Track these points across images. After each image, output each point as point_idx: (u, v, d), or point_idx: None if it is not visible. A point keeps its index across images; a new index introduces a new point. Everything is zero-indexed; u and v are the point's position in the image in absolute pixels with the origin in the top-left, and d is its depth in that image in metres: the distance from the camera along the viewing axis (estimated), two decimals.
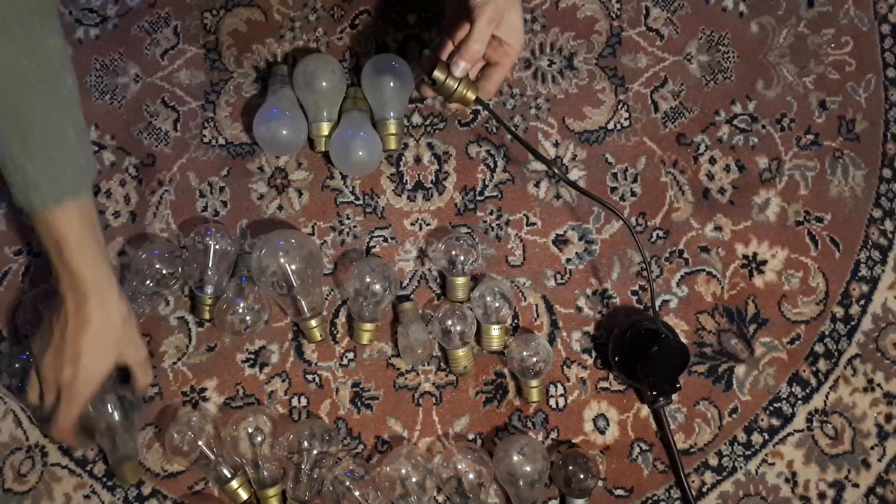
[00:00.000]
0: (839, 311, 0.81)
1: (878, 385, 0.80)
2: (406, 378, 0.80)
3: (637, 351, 0.74)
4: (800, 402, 0.79)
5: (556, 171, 0.73)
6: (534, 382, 0.76)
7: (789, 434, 0.79)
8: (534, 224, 0.82)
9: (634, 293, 0.81)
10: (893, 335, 0.80)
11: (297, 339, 0.80)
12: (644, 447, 0.79)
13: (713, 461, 0.79)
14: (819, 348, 0.80)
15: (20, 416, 0.80)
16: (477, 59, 0.68)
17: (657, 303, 0.80)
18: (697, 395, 0.79)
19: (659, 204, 0.82)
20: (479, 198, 0.82)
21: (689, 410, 0.79)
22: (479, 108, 0.71)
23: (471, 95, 0.70)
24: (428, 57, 0.74)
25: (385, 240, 0.82)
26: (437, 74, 0.68)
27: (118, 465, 0.75)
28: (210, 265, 0.78)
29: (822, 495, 0.78)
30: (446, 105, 0.82)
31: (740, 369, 0.80)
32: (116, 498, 0.78)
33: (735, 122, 0.83)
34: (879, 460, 0.79)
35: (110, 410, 0.73)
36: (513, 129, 0.76)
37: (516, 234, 0.82)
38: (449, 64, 0.68)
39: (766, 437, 0.79)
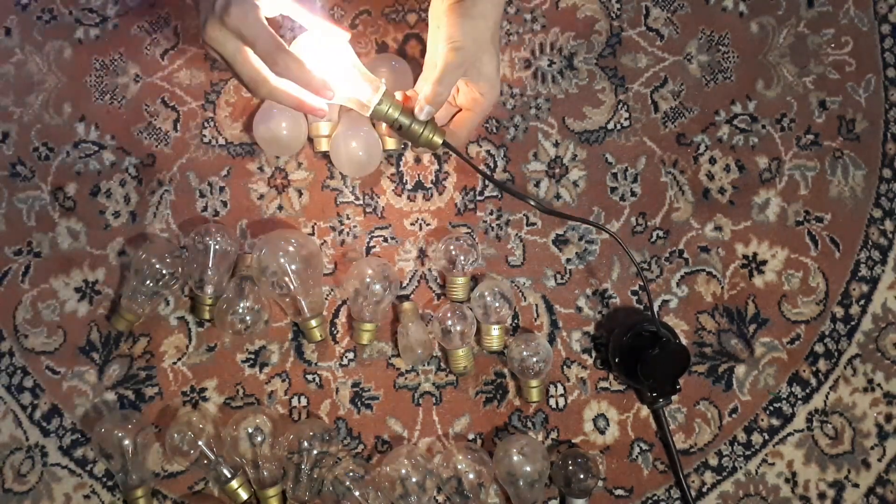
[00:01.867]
0: (839, 311, 0.81)
1: (878, 385, 0.80)
2: (406, 378, 0.80)
3: (637, 352, 0.74)
4: (800, 402, 0.79)
5: (535, 202, 0.70)
6: (534, 382, 0.76)
7: (789, 434, 0.79)
8: (534, 224, 0.82)
9: (634, 293, 0.81)
10: (893, 335, 0.80)
11: (297, 339, 0.80)
12: (644, 447, 0.79)
13: (713, 461, 0.79)
14: (819, 348, 0.80)
15: (20, 417, 0.80)
16: (441, 104, 0.66)
17: (657, 303, 0.80)
18: (697, 395, 0.79)
19: (659, 204, 0.82)
20: (479, 198, 0.82)
21: (689, 410, 0.79)
22: (448, 151, 0.69)
23: (437, 140, 0.68)
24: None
25: (385, 240, 0.82)
26: (402, 119, 0.66)
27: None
28: (210, 265, 0.78)
29: (822, 495, 0.78)
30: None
31: (740, 369, 0.80)
32: (116, 498, 0.78)
33: (735, 122, 0.83)
34: (879, 460, 0.79)
35: None
36: (484, 170, 0.75)
37: (516, 234, 0.82)
38: (413, 109, 0.66)
39: (766, 437, 0.79)
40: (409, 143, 0.68)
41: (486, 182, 0.82)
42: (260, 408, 0.79)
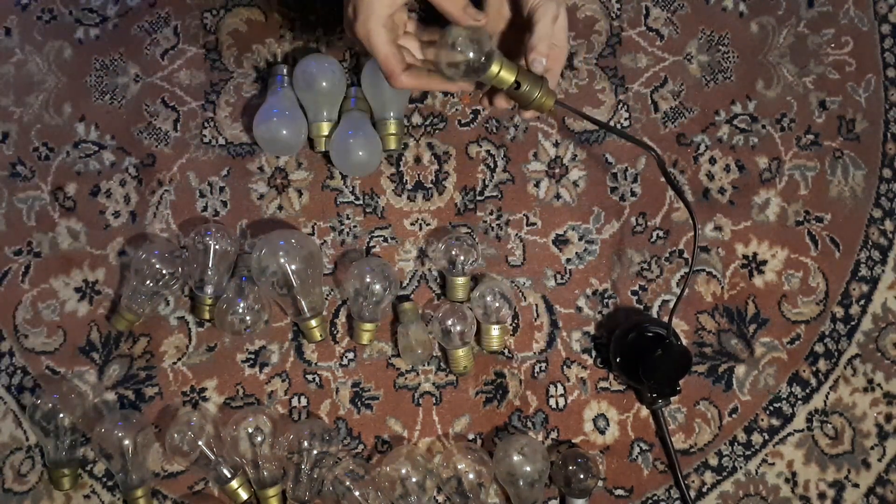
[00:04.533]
0: (839, 311, 0.81)
1: (878, 385, 0.80)
2: (406, 378, 0.80)
3: (639, 353, 0.74)
4: (800, 402, 0.79)
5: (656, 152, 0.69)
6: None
7: (789, 434, 0.79)
8: (534, 224, 0.82)
9: (634, 293, 0.81)
10: (893, 335, 0.80)
11: (297, 339, 0.80)
12: (644, 447, 0.79)
13: (713, 461, 0.79)
14: (819, 348, 0.80)
15: (20, 416, 0.80)
16: (547, 56, 0.65)
17: (657, 303, 0.81)
18: (697, 395, 0.79)
19: (659, 204, 0.82)
20: (479, 198, 0.82)
21: (689, 410, 0.79)
22: (559, 108, 0.67)
23: (549, 102, 0.66)
24: None
25: (385, 240, 0.82)
26: (521, 80, 0.65)
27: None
28: (210, 265, 0.78)
29: (822, 495, 0.78)
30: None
31: (740, 369, 0.80)
32: (116, 498, 0.78)
33: (735, 122, 0.83)
34: (879, 460, 0.79)
35: None
36: (609, 124, 0.71)
37: (516, 234, 0.82)
38: (526, 69, 0.65)
39: (766, 437, 0.79)
40: (518, 106, 0.67)
41: (486, 182, 0.82)
42: (260, 408, 0.79)
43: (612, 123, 0.83)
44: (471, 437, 0.79)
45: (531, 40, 0.65)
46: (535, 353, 0.80)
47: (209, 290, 0.78)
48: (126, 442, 0.74)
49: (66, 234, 0.82)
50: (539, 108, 0.66)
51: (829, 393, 0.80)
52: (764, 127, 0.83)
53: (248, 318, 0.77)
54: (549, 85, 0.67)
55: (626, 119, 0.83)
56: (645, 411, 0.79)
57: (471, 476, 0.74)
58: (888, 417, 0.79)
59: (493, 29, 0.70)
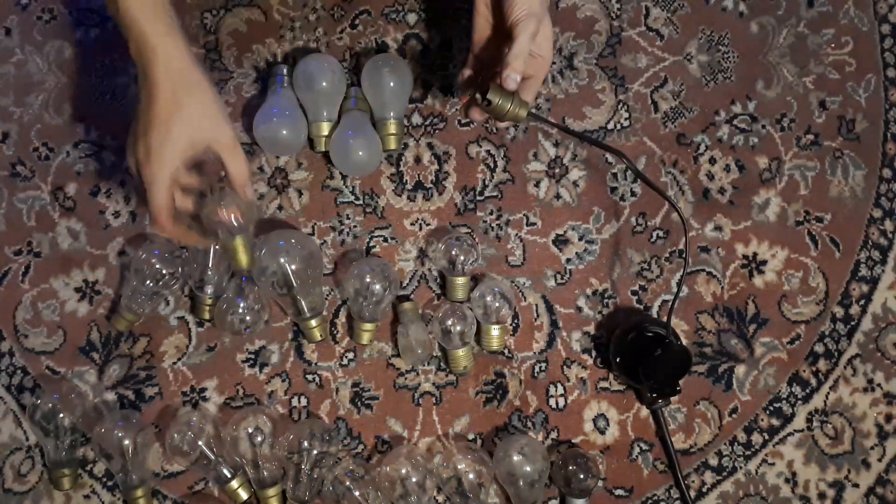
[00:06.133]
0: (839, 311, 0.81)
1: (878, 385, 0.80)
2: (406, 378, 0.80)
3: (639, 353, 0.74)
4: (800, 402, 0.79)
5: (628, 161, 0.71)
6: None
7: (789, 434, 0.79)
8: (534, 224, 0.82)
9: (634, 293, 0.81)
10: (893, 335, 0.80)
11: (297, 339, 0.80)
12: (644, 447, 0.79)
13: (713, 461, 0.79)
14: (819, 348, 0.80)
15: (20, 416, 0.80)
16: (522, 70, 0.67)
17: (657, 303, 0.81)
18: (697, 395, 0.79)
19: (659, 204, 0.82)
20: (479, 198, 0.82)
21: (689, 410, 0.79)
22: (534, 122, 0.70)
23: (522, 113, 0.68)
24: (466, 80, 0.73)
25: (385, 240, 0.82)
26: (492, 96, 0.66)
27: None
28: (210, 265, 0.78)
29: (822, 495, 0.78)
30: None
31: (740, 369, 0.80)
32: (116, 498, 0.78)
33: (735, 122, 0.83)
34: (879, 460, 0.79)
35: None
36: (583, 133, 0.73)
37: (516, 234, 0.82)
38: (500, 83, 0.67)
39: (766, 437, 0.79)
40: (493, 119, 0.69)
41: (486, 182, 0.82)
42: (260, 408, 0.79)
43: (611, 124, 0.83)
44: (471, 437, 0.79)
45: (507, 56, 0.66)
46: (535, 353, 0.80)
47: (209, 290, 0.78)
48: (126, 442, 0.74)
49: (66, 234, 0.82)
50: (513, 119, 0.69)
51: (829, 393, 0.80)
52: (764, 127, 0.83)
53: (248, 318, 0.77)
54: (530, 94, 0.69)
55: (626, 119, 0.83)
56: (645, 411, 0.79)
57: (471, 476, 0.74)
58: (888, 417, 0.79)
59: (479, 35, 0.72)
